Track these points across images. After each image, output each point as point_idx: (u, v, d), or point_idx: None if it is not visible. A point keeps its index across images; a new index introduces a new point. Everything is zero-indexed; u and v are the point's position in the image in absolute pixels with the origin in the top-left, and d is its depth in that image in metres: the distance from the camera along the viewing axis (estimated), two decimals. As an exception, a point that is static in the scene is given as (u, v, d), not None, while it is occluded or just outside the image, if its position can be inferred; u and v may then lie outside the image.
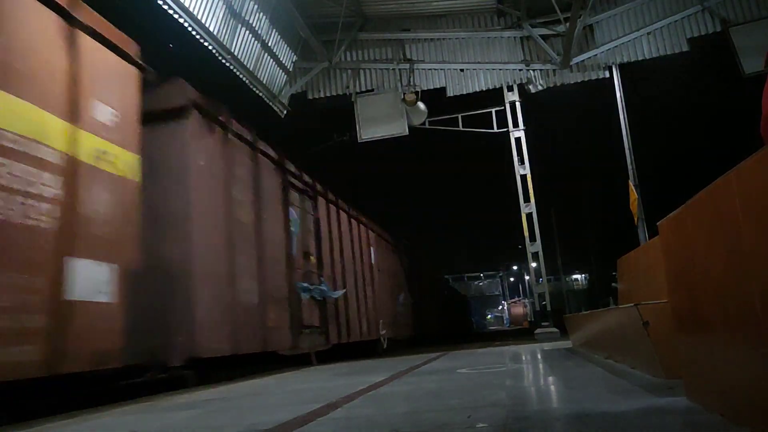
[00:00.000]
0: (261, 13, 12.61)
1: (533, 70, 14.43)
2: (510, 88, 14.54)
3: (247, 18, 12.24)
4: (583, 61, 14.19)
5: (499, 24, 14.76)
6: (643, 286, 5.80)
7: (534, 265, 14.26)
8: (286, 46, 14.19)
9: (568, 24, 12.88)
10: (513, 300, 63.70)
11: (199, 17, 10.76)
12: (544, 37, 14.31)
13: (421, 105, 14.39)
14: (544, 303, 14.14)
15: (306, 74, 14.84)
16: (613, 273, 8.22)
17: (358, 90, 14.77)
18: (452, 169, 21.07)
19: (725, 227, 1.97)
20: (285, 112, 14.75)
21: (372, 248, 14.22)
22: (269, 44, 13.39)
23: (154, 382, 5.43)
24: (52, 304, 4.11)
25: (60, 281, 4.22)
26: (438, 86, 14.61)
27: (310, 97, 14.94)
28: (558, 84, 14.30)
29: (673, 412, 2.49)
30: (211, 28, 11.19)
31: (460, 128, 14.96)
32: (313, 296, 9.34)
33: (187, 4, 10.37)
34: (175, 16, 10.32)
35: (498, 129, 14.70)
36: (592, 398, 3.06)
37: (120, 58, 5.27)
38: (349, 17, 14.24)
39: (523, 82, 14.46)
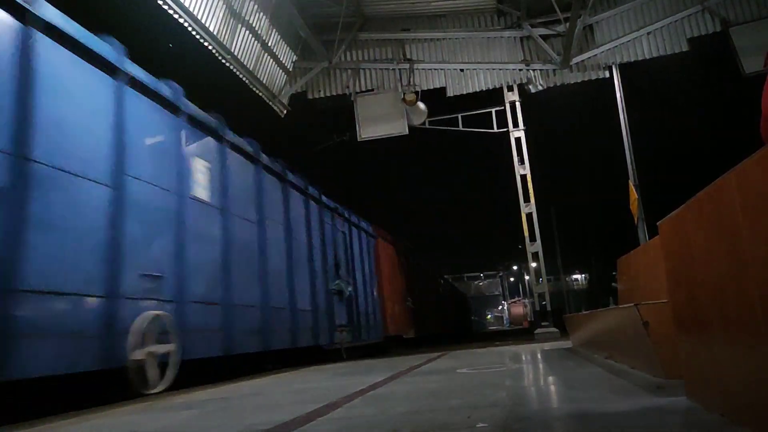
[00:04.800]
0: (261, 13, 12.60)
1: (533, 70, 14.43)
2: (510, 88, 14.54)
3: (247, 18, 12.24)
4: (583, 61, 14.19)
5: (499, 24, 14.76)
6: (643, 286, 5.79)
7: (534, 265, 14.27)
8: (286, 46, 14.19)
9: (568, 24, 12.89)
10: (513, 300, 63.70)
11: (199, 17, 10.76)
12: (544, 37, 14.31)
13: (421, 105, 14.39)
14: (544, 303, 14.15)
15: (306, 74, 14.84)
16: (613, 273, 8.20)
17: (358, 90, 14.77)
18: (452, 169, 21.09)
19: (725, 227, 1.97)
20: (285, 112, 14.75)
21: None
22: (269, 44, 13.39)
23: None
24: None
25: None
26: (438, 86, 14.62)
27: (310, 97, 14.95)
28: (558, 84, 14.31)
29: (673, 412, 2.48)
30: (211, 28, 11.19)
31: (460, 128, 14.96)
32: None
33: (187, 4, 10.37)
34: (175, 16, 10.32)
35: (498, 129, 14.70)
36: (592, 398, 3.06)
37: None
38: (349, 17, 14.24)
39: (523, 82, 14.46)
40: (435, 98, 14.59)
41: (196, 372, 6.06)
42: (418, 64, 14.70)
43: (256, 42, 12.83)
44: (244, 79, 12.90)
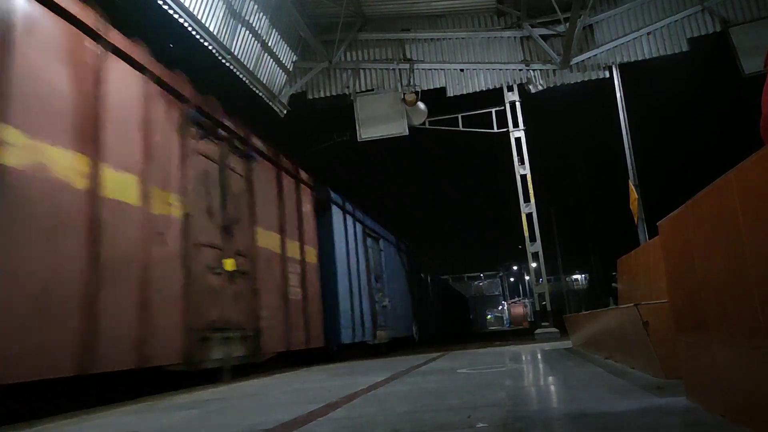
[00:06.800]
0: (261, 13, 12.60)
1: (533, 70, 14.43)
2: (510, 88, 14.53)
3: (247, 18, 12.23)
4: (583, 61, 14.18)
5: (499, 24, 14.75)
6: (643, 286, 5.80)
7: (534, 265, 14.25)
8: (286, 46, 14.18)
9: (568, 24, 12.88)
10: (513, 300, 63.65)
11: (199, 17, 10.76)
12: (544, 37, 14.31)
13: (421, 105, 14.38)
14: (544, 303, 14.13)
15: (306, 74, 14.84)
16: (613, 273, 8.21)
17: (358, 90, 14.77)
18: (452, 169, 21.10)
19: (725, 227, 1.97)
20: (285, 112, 14.75)
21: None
22: (269, 44, 13.38)
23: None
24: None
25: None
26: (438, 86, 14.59)
27: (310, 97, 14.93)
28: (558, 84, 14.29)
29: (673, 412, 2.49)
30: (211, 28, 11.18)
31: (460, 128, 14.95)
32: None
33: (187, 4, 10.37)
34: (175, 16, 10.31)
35: (498, 129, 14.69)
36: (592, 398, 3.06)
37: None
38: (349, 17, 14.24)
39: (523, 82, 14.45)
40: (435, 98, 14.58)
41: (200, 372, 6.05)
42: (418, 64, 14.69)
43: (256, 42, 12.82)
44: (244, 79, 12.90)
